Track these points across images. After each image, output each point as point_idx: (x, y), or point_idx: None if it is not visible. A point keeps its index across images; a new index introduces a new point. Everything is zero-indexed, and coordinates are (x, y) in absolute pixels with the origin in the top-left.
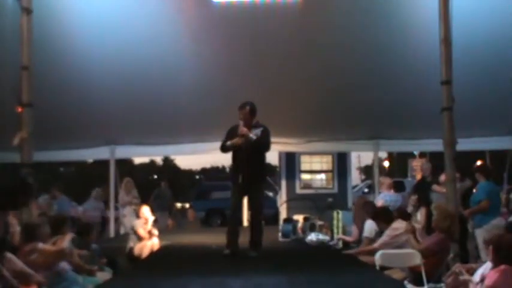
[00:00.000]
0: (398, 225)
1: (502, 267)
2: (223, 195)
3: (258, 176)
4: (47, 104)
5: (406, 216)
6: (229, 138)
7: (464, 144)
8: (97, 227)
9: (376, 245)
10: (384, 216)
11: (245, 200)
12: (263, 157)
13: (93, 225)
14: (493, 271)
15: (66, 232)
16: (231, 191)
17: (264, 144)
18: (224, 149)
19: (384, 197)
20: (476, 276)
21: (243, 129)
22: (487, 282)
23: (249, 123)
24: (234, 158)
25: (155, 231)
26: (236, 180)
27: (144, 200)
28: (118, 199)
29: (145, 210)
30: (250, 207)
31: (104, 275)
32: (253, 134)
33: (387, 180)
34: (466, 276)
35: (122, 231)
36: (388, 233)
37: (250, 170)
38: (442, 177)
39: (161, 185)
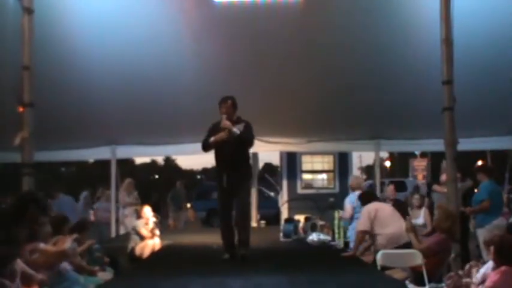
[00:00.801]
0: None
1: (503, 268)
2: None
3: (243, 174)
4: (48, 104)
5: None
6: (211, 136)
7: (465, 144)
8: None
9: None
10: (364, 199)
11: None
12: (248, 154)
13: (89, 223)
14: (494, 272)
15: (67, 232)
16: (217, 192)
17: (248, 140)
18: (206, 146)
19: (349, 200)
20: (478, 276)
21: (226, 123)
22: (488, 283)
23: (231, 118)
24: (217, 157)
25: (157, 231)
26: (221, 180)
27: (145, 200)
28: (119, 198)
29: (147, 211)
30: (236, 208)
31: (105, 275)
32: (236, 129)
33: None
34: (468, 279)
35: (122, 231)
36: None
37: (235, 168)
38: (443, 177)
39: (176, 185)
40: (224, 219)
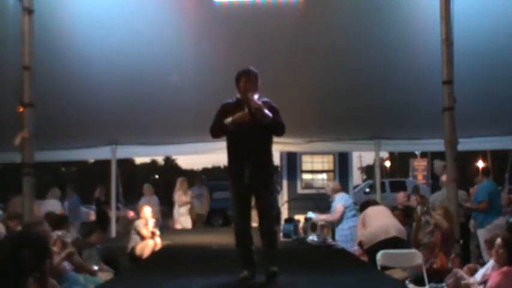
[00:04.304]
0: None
1: (505, 269)
2: (224, 195)
3: (268, 167)
4: (49, 104)
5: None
6: (223, 118)
7: (465, 144)
8: None
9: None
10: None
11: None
12: (272, 142)
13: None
14: (496, 273)
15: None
16: (231, 192)
17: (281, 126)
18: (218, 130)
19: (340, 200)
20: (478, 276)
21: (256, 102)
22: (490, 283)
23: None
24: (234, 145)
25: (157, 232)
26: (240, 175)
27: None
28: (175, 199)
29: (147, 211)
30: (260, 211)
31: (105, 275)
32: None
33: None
34: (467, 280)
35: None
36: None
37: (258, 160)
38: (444, 177)
39: None
40: (243, 224)
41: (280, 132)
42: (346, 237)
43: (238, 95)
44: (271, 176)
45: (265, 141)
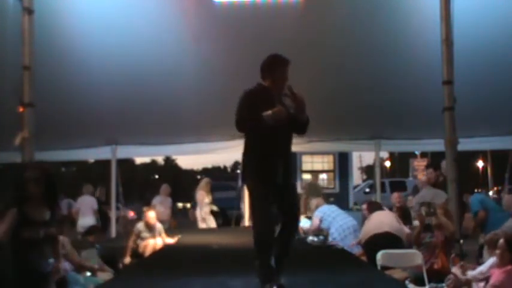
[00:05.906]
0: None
1: (509, 267)
2: (224, 195)
3: (292, 171)
4: (49, 104)
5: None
6: (252, 109)
7: (465, 144)
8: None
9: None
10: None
11: None
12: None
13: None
14: (500, 271)
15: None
16: (255, 192)
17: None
18: (251, 123)
19: (316, 214)
20: (475, 273)
21: (300, 95)
22: (492, 281)
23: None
24: (263, 143)
25: (162, 234)
26: (270, 176)
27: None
28: (196, 198)
29: (151, 215)
30: (286, 216)
31: (105, 275)
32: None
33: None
34: (468, 276)
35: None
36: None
37: (287, 160)
38: (423, 178)
39: (311, 179)
40: (271, 227)
41: (304, 132)
42: (335, 239)
43: (263, 83)
44: (293, 177)
45: (291, 140)
